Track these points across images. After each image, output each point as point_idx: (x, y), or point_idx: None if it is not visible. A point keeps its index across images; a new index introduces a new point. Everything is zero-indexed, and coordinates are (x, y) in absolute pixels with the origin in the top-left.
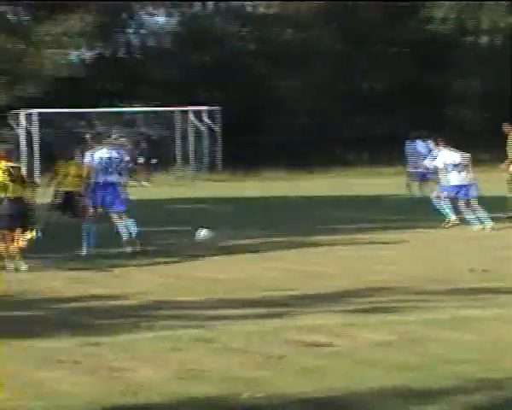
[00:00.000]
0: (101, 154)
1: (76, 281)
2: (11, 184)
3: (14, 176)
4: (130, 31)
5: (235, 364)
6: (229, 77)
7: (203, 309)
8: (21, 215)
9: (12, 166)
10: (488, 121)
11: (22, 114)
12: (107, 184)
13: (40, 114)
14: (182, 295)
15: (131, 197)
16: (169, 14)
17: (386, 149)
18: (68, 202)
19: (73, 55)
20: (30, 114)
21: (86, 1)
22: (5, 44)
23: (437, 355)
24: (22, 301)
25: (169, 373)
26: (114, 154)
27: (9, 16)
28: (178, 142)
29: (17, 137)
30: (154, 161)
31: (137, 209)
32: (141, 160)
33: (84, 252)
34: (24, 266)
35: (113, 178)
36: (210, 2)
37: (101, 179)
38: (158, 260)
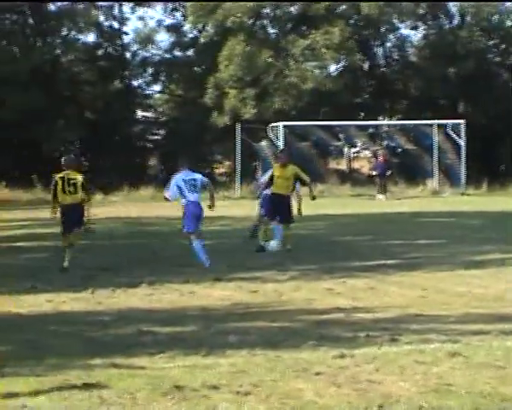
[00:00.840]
0: (184, 175)
1: (331, 293)
2: (64, 193)
3: (71, 185)
4: (388, 44)
5: (480, 379)
6: (475, 90)
7: (448, 323)
8: (75, 220)
9: (71, 177)
10: None
11: (279, 126)
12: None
13: (292, 126)
14: (428, 308)
15: (376, 210)
16: (414, 27)
17: None
18: (278, 206)
19: (330, 68)
20: (284, 127)
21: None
22: (263, 59)
23: None
24: (276, 311)
25: (413, 387)
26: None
27: (270, 30)
28: (424, 155)
29: (276, 149)
30: (388, 173)
31: (384, 222)
32: (389, 172)
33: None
34: (66, 263)
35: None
36: (455, 16)
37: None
38: (406, 273)
